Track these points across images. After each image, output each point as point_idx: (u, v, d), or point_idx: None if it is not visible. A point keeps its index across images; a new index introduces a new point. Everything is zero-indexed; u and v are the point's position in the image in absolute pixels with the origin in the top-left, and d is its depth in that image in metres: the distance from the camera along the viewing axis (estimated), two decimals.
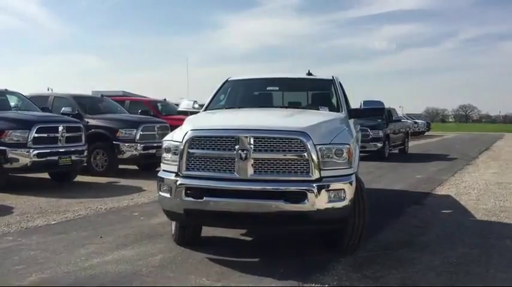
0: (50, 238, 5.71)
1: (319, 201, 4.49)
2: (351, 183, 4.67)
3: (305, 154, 4.50)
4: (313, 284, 4.21)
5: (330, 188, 4.54)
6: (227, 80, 6.62)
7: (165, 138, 5.14)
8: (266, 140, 4.54)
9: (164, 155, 5.03)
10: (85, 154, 10.12)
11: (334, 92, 6.22)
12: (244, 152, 4.51)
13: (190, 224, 5.22)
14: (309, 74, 6.58)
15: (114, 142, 11.34)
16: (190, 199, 4.68)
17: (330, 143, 4.61)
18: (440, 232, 6.23)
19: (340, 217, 4.69)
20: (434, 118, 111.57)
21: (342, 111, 5.84)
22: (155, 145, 11.83)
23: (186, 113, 6.60)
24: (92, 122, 11.60)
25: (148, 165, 12.56)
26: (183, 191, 4.69)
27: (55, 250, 5.17)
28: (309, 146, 4.48)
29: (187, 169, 4.74)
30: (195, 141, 4.71)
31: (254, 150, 4.53)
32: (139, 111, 13.63)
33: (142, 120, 11.90)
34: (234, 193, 4.59)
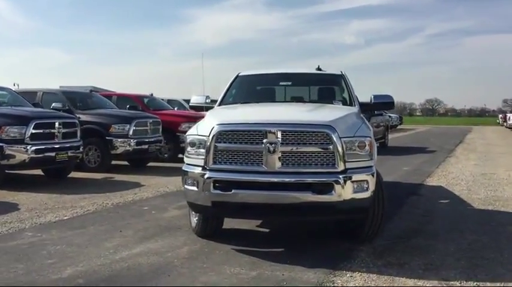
0: (70, 232, 5.74)
1: (345, 192, 4.67)
2: (372, 175, 4.87)
3: (331, 146, 4.68)
4: (344, 271, 4.40)
5: (354, 179, 4.73)
6: (238, 75, 6.73)
7: (189, 132, 5.23)
8: (293, 133, 4.70)
9: (188, 149, 5.12)
10: (81, 149, 10.10)
11: (345, 86, 6.43)
12: (273, 145, 4.66)
13: (216, 216, 5.34)
14: (319, 69, 6.76)
15: (107, 138, 11.29)
16: (219, 191, 4.80)
17: (353, 136, 4.80)
18: (445, 220, 6.50)
19: (363, 207, 4.89)
20: (402, 112, 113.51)
21: (354, 105, 6.05)
22: (148, 140, 11.90)
23: (197, 108, 6.69)
24: (83, 117, 11.49)
25: (139, 160, 12.56)
26: (211, 184, 4.80)
27: (80, 244, 5.22)
28: (334, 139, 4.66)
29: (215, 163, 4.86)
30: (223, 135, 4.83)
31: (281, 143, 4.68)
32: (128, 106, 13.56)
33: (135, 116, 11.89)
34: (262, 185, 4.74)
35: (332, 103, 6.06)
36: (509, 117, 41.29)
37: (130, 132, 11.46)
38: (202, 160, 4.94)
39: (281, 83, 6.82)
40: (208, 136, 4.87)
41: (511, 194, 8.60)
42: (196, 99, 6.76)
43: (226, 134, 4.83)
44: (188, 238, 5.46)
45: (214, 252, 4.96)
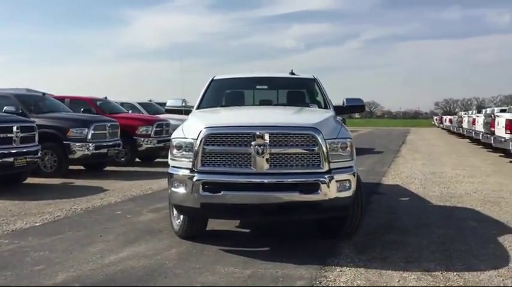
0: (48, 239, 5.63)
1: (330, 191, 4.89)
2: (354, 174, 5.13)
3: (316, 147, 4.89)
4: (333, 267, 4.61)
5: (338, 179, 4.96)
6: (213, 79, 6.83)
7: (174, 135, 5.29)
8: (281, 135, 4.87)
9: (174, 152, 5.18)
10: (39, 154, 9.82)
11: (318, 90, 6.68)
12: (261, 147, 4.81)
13: (205, 218, 5.42)
14: (292, 73, 6.96)
15: (64, 142, 11.02)
16: (208, 193, 4.89)
17: (336, 138, 5.04)
18: (410, 216, 6.89)
19: (346, 205, 5.13)
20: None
21: (329, 108, 6.30)
22: (107, 144, 11.71)
23: (173, 111, 6.74)
24: (38, 121, 11.07)
25: (96, 165, 12.33)
26: (201, 186, 4.89)
27: (63, 250, 5.15)
28: (319, 141, 4.87)
29: (203, 165, 4.95)
30: (211, 138, 4.93)
31: (269, 145, 4.83)
32: (82, 109, 13.26)
33: (93, 119, 11.68)
34: (251, 187, 4.87)
35: (309, 106, 6.30)
36: (445, 119, 43.41)
37: (89, 136, 11.25)
38: (190, 163, 5.01)
39: (257, 87, 6.99)
40: (196, 139, 4.96)
41: (463, 191, 9.16)
42: (172, 103, 6.80)
43: (214, 137, 4.94)
44: (172, 241, 5.50)
45: (203, 253, 5.04)
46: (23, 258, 4.87)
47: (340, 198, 5.00)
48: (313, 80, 6.83)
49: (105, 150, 11.63)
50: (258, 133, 4.84)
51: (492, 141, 13.90)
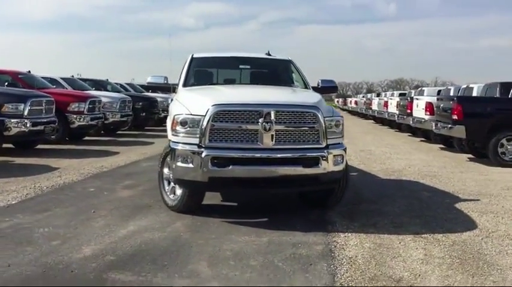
0: (39, 215, 5.52)
1: (328, 165, 5.35)
2: (344, 150, 5.63)
3: (317, 125, 5.31)
4: (336, 233, 5.09)
5: (334, 153, 5.43)
6: (193, 57, 6.94)
7: (178, 111, 5.41)
8: (286, 113, 5.23)
9: (178, 128, 5.33)
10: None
11: (296, 71, 7.08)
12: (268, 124, 5.13)
13: (211, 191, 5.63)
14: (268, 54, 7.28)
15: None
16: (216, 168, 5.13)
17: (332, 116, 5.50)
18: (369, 189, 7.58)
19: (338, 178, 5.62)
20: None
21: (309, 88, 6.73)
22: (44, 120, 11.23)
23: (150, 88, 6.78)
24: None
25: (28, 143, 11.77)
26: (209, 161, 5.11)
27: (66, 226, 5.12)
28: (320, 118, 5.30)
29: (210, 141, 5.17)
30: (219, 115, 5.15)
31: (275, 122, 5.17)
32: (6, 83, 12.50)
33: (30, 95, 11.09)
34: (258, 161, 5.19)
35: (291, 86, 6.68)
36: (350, 101, 45.93)
37: (26, 112, 10.68)
38: (197, 138, 5.20)
39: (241, 66, 7.22)
40: (204, 116, 5.14)
41: (399, 166, 10.12)
42: (154, 79, 6.82)
43: (223, 114, 5.16)
44: (170, 215, 5.64)
45: (209, 225, 5.27)
46: (31, 234, 4.80)
47: (335, 171, 5.48)
48: (290, 62, 7.22)
49: (41, 127, 11.13)
50: (265, 110, 5.14)
51: (411, 122, 15.22)
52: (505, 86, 14.56)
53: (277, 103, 5.31)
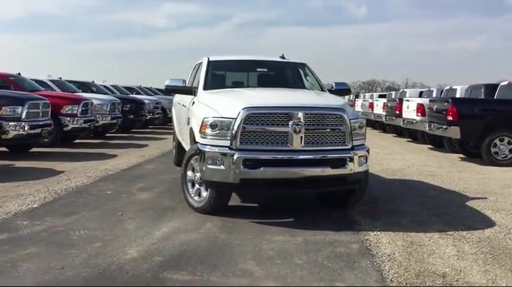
0: (69, 219, 5.53)
1: (354, 165, 5.53)
2: (368, 151, 5.81)
3: (343, 127, 5.48)
4: (365, 232, 5.25)
5: (359, 154, 5.60)
6: (209, 60, 7.02)
7: (206, 114, 5.50)
8: (315, 115, 5.39)
9: (208, 130, 5.41)
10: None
11: (311, 73, 7.25)
12: (298, 126, 5.27)
13: (242, 192, 5.72)
14: (283, 57, 7.42)
15: None
16: (248, 169, 5.24)
17: (357, 118, 5.68)
18: (380, 188, 7.78)
19: (362, 178, 5.80)
20: None
21: (325, 91, 6.89)
22: (41, 123, 11.11)
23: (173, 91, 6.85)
24: None
25: (22, 146, 11.63)
26: (241, 163, 5.21)
27: (101, 228, 5.14)
28: (346, 120, 5.47)
29: (241, 143, 5.28)
30: (251, 118, 5.27)
31: (304, 124, 5.31)
32: None
33: (27, 97, 10.94)
34: (289, 162, 5.32)
35: (308, 89, 6.85)
36: None
37: (23, 115, 10.55)
38: (227, 141, 5.30)
39: (258, 69, 7.35)
40: (236, 119, 5.25)
41: (398, 167, 10.38)
42: (172, 82, 6.87)
43: (254, 117, 5.28)
44: (196, 216, 5.71)
45: (240, 225, 5.37)
46: (69, 237, 4.82)
47: (360, 172, 5.66)
48: (304, 65, 7.39)
49: (39, 130, 11.00)
50: (294, 113, 5.28)
51: (401, 123, 15.58)
52: (489, 88, 15.08)
53: (306, 106, 5.46)
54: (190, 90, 6.64)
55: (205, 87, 6.55)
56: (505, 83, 14.00)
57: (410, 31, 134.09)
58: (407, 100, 15.75)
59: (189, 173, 6.02)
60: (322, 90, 6.94)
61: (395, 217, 5.88)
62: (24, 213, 5.77)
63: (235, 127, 5.25)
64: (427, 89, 21.42)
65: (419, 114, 13.54)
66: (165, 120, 22.51)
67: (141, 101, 19.59)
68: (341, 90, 7.10)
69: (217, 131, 5.37)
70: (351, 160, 5.48)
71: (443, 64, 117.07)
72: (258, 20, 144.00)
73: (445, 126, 11.13)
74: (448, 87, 18.49)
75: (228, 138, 5.30)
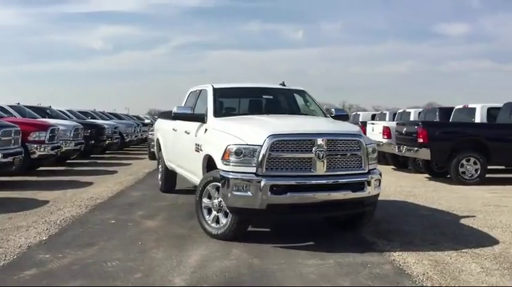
0: (91, 250, 5.40)
1: (371, 188, 5.79)
2: (380, 174, 6.08)
3: (360, 152, 5.74)
4: (388, 253, 5.47)
5: (374, 178, 5.86)
6: (214, 88, 7.09)
7: (230, 142, 5.58)
8: (336, 141, 5.62)
9: (232, 157, 5.50)
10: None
11: (313, 101, 7.49)
12: (322, 152, 5.47)
13: (268, 217, 5.82)
14: (283, 84, 7.64)
15: None
16: (274, 195, 5.36)
17: (371, 143, 5.95)
18: (380, 211, 8.00)
19: (375, 200, 6.05)
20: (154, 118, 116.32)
21: (328, 117, 7.14)
22: (12, 151, 10.68)
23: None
24: None
25: None
26: (268, 188, 5.33)
27: (130, 258, 5.06)
28: (363, 145, 5.74)
29: (267, 169, 5.41)
30: (276, 144, 5.41)
31: (327, 150, 5.52)
32: None
33: (1, 124, 10.55)
34: (314, 187, 5.49)
35: (314, 115, 7.09)
36: None
37: None
38: (252, 167, 5.41)
39: (264, 96, 7.51)
40: (262, 145, 5.37)
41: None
42: (180, 110, 6.89)
43: (279, 144, 5.43)
44: (218, 243, 5.71)
45: (267, 251, 5.44)
46: (104, 269, 4.73)
47: (375, 195, 5.92)
48: (304, 92, 7.63)
49: (11, 158, 10.59)
50: (317, 140, 5.48)
51: None
52: (443, 111, 15.99)
53: (328, 132, 5.68)
54: (201, 118, 6.68)
55: (216, 115, 6.61)
56: (460, 106, 14.95)
57: (343, 55, 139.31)
58: (372, 123, 16.41)
59: (205, 200, 6.05)
60: (325, 116, 7.19)
61: (405, 237, 6.14)
62: (38, 246, 5.58)
63: (261, 154, 5.37)
64: (379, 113, 22.33)
65: (386, 136, 14.13)
66: (121, 146, 22.16)
67: (102, 126, 19.18)
68: (341, 116, 7.38)
69: (242, 158, 5.46)
70: (369, 183, 5.73)
71: (374, 86, 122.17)
72: (197, 42, 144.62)
73: (416, 148, 11.69)
74: (401, 111, 19.41)
75: (253, 164, 5.40)
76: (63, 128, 15.02)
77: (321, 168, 5.50)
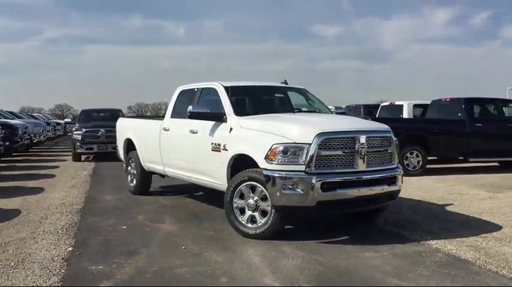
0: (140, 259, 5.08)
1: (400, 182, 6.13)
2: (401, 169, 6.42)
3: (391, 147, 6.05)
4: (424, 241, 5.81)
5: (401, 172, 6.21)
6: (225, 86, 6.92)
7: (276, 141, 5.56)
8: (373, 138, 5.87)
9: (279, 156, 5.50)
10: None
11: (315, 97, 7.66)
12: (364, 149, 5.68)
13: (317, 214, 5.91)
14: (285, 83, 7.69)
15: None
16: (325, 192, 5.47)
17: (396, 140, 6.27)
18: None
19: (398, 194, 6.39)
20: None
21: (334, 114, 7.35)
22: None
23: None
24: None
25: None
26: (319, 186, 5.42)
27: (194, 264, 4.86)
28: (393, 141, 6.06)
29: (316, 167, 5.49)
30: (325, 142, 5.52)
31: (367, 147, 5.74)
32: None
33: None
34: (359, 183, 5.69)
35: (324, 112, 7.27)
36: None
37: None
38: (301, 165, 5.47)
39: (276, 95, 7.47)
40: (310, 144, 5.44)
41: None
42: (196, 108, 6.65)
43: (328, 141, 5.54)
44: (262, 242, 5.63)
45: (313, 247, 5.51)
46: (180, 277, 4.51)
47: (400, 188, 6.25)
48: (306, 90, 7.77)
49: None
50: (360, 137, 5.68)
51: None
52: (367, 108, 17.01)
53: (368, 130, 5.92)
54: (220, 117, 6.51)
55: (238, 113, 6.47)
56: (386, 103, 16.04)
57: (226, 53, 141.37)
58: None
59: (238, 200, 5.96)
60: (332, 113, 7.40)
61: (421, 227, 6.51)
62: (74, 258, 5.13)
63: (310, 152, 5.43)
64: None
65: None
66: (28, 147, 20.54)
67: (15, 126, 17.58)
68: (340, 113, 7.64)
69: (289, 157, 5.48)
70: (399, 177, 6.05)
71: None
72: (73, 36, 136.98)
73: None
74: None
75: (301, 163, 5.45)
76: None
77: (362, 164, 5.70)
